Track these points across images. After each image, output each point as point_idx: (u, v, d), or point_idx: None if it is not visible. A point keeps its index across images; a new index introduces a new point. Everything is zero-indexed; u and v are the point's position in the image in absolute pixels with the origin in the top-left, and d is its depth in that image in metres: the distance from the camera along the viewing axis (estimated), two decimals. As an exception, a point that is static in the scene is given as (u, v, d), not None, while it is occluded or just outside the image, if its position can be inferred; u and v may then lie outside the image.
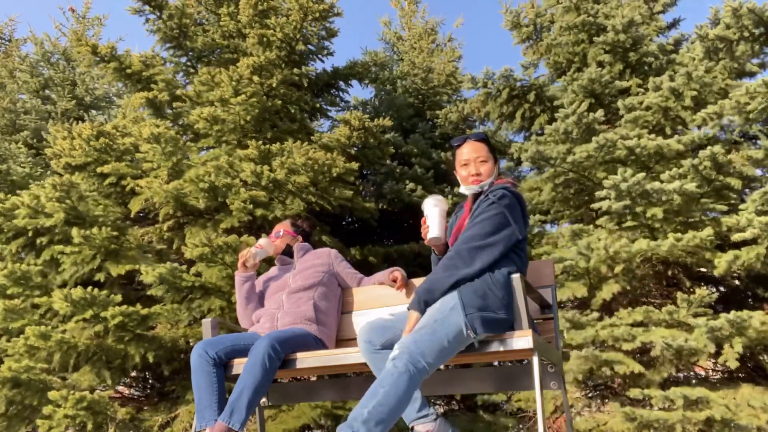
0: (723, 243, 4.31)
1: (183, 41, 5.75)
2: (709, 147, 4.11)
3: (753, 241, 4.01)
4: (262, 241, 3.12)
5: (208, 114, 4.89)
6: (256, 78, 4.95)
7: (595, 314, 4.21)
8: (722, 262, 4.01)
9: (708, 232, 3.97)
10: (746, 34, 4.77)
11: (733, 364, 3.83)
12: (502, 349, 2.13)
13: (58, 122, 8.81)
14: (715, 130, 4.53)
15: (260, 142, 4.70)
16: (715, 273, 4.15)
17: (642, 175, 4.08)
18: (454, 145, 2.47)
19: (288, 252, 3.21)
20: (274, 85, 5.14)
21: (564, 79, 5.43)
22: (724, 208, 4.30)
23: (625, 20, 5.14)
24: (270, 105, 5.11)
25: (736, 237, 3.95)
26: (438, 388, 2.80)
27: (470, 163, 2.38)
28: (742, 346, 3.82)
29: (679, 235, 4.02)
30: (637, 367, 4.04)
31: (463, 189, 2.41)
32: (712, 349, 3.86)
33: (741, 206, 4.16)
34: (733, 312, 3.74)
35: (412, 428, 2.18)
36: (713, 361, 4.43)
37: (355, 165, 4.81)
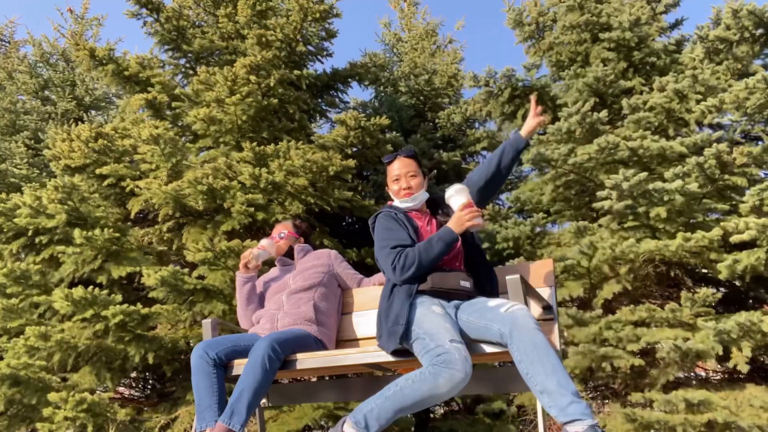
0: (726, 245, 4.28)
1: (181, 43, 5.73)
2: (714, 144, 4.08)
3: (753, 244, 3.97)
4: (264, 242, 3.11)
5: (204, 114, 4.88)
6: (252, 77, 4.92)
7: (598, 311, 4.18)
8: (723, 267, 3.93)
9: (717, 232, 3.92)
10: (746, 35, 4.76)
11: (744, 368, 3.80)
12: (502, 350, 2.13)
13: (58, 123, 8.81)
14: (719, 134, 4.50)
15: (255, 143, 4.67)
16: (720, 278, 4.10)
17: (644, 174, 4.05)
18: (385, 162, 2.65)
19: (288, 253, 3.20)
20: (271, 84, 5.12)
21: (567, 74, 5.36)
22: (726, 207, 4.27)
23: (632, 17, 5.11)
24: (267, 104, 5.08)
25: (734, 239, 3.92)
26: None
27: (401, 178, 2.56)
28: (750, 349, 3.79)
29: (688, 234, 3.97)
30: (637, 361, 4.00)
31: (398, 203, 2.58)
32: (719, 351, 3.82)
33: (741, 206, 4.12)
34: (743, 314, 3.69)
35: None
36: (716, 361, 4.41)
37: (351, 162, 4.77)
